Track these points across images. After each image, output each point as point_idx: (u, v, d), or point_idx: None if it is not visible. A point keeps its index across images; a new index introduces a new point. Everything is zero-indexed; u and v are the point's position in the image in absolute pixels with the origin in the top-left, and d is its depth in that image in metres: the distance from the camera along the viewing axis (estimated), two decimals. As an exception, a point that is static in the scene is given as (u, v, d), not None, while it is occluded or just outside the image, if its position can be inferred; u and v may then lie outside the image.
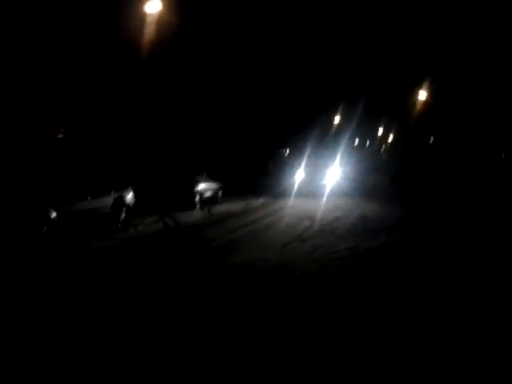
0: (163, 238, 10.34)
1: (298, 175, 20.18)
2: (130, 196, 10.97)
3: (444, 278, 6.28)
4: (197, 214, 13.50)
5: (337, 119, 36.79)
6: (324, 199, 16.20)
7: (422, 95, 31.44)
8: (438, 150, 41.63)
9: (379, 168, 31.15)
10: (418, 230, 10.32)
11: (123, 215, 10.60)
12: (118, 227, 10.36)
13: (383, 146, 59.73)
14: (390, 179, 23.72)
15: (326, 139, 29.06)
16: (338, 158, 22.88)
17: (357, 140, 51.33)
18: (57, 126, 13.75)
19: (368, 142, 59.15)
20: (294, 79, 23.26)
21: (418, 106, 33.86)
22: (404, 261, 7.37)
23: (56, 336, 4.54)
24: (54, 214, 8.27)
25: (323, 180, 20.07)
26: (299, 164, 20.82)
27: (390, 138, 57.20)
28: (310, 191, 18.10)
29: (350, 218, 12.33)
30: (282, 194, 17.51)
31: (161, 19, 13.01)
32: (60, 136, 13.90)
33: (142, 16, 12.79)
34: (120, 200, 10.50)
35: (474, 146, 39.35)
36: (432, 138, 48.58)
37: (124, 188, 10.86)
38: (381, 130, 55.24)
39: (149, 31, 13.28)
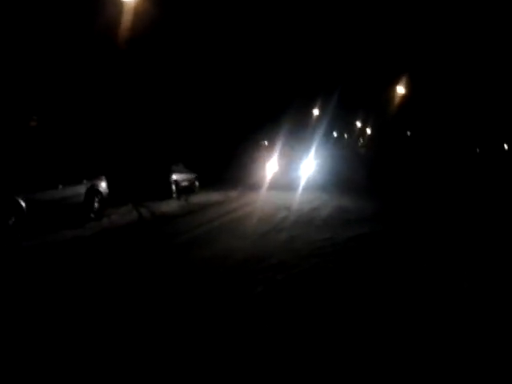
0: (137, 227, 10.12)
1: (272, 167, 20.22)
2: (103, 185, 10.71)
3: (421, 267, 6.23)
4: (173, 204, 13.30)
5: (314, 112, 36.72)
6: (298, 192, 15.98)
7: (400, 89, 31.65)
8: (414, 144, 42.06)
9: (356, 161, 31.28)
10: (394, 221, 10.30)
11: (96, 204, 10.36)
12: (91, 217, 10.11)
13: (361, 139, 60.29)
14: (366, 172, 23.74)
15: (302, 131, 29.00)
16: (313, 150, 22.84)
17: (335, 133, 51.65)
18: (30, 113, 13.36)
19: (346, 136, 59.73)
20: (268, 70, 23.10)
21: (396, 100, 34.10)
22: (382, 250, 7.31)
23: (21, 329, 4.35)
24: (22, 203, 7.96)
25: (297, 172, 20.04)
26: (272, 156, 20.81)
27: (368, 131, 57.78)
28: (284, 184, 18.05)
29: (326, 208, 12.23)
30: (256, 186, 17.57)
31: (138, 8, 12.71)
32: (33, 123, 13.52)
33: (119, 4, 12.49)
34: (93, 189, 10.25)
35: (450, 140, 39.97)
36: (409, 132, 49.17)
37: (97, 177, 10.60)
38: (359, 124, 55.66)
39: (126, 20, 12.98)
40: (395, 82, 32.41)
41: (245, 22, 19.33)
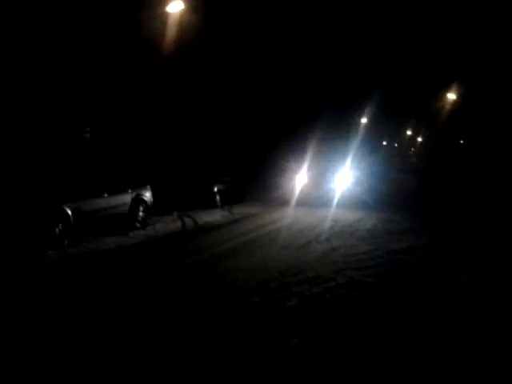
0: (179, 237, 10.27)
1: (302, 178, 17.63)
2: (147, 194, 10.94)
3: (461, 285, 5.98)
4: (217, 214, 13.40)
5: (360, 120, 35.61)
6: (330, 210, 13.79)
7: (451, 96, 30.75)
8: (468, 153, 40.55)
9: (406, 171, 30.12)
10: (445, 236, 9.83)
11: (141, 213, 10.59)
12: (136, 225, 10.34)
13: (412, 148, 58.85)
14: (417, 184, 22.40)
15: (341, 140, 25.07)
16: (352, 159, 20.25)
17: (384, 142, 50.39)
18: (85, 124, 13.90)
19: (396, 144, 58.03)
20: (305, 76, 22.17)
21: (447, 108, 33.14)
22: (426, 266, 7.08)
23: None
24: (69, 211, 8.26)
25: (330, 185, 17.69)
26: (303, 166, 17.91)
27: (419, 139, 56.20)
28: (313, 199, 15.96)
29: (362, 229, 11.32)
30: (286, 199, 15.72)
31: (182, 19, 12.97)
32: (86, 135, 14.06)
33: (164, 16, 12.77)
34: (138, 198, 10.49)
35: (507, 149, 38.20)
36: (462, 141, 47.48)
37: (142, 186, 10.84)
38: (409, 132, 54.41)
39: (170, 32, 13.26)
40: (446, 89, 31.58)
41: (283, 26, 19.16)
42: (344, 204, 15.13)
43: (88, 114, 13.78)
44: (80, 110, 13.41)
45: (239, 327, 4.61)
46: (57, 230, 8.03)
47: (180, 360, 3.92)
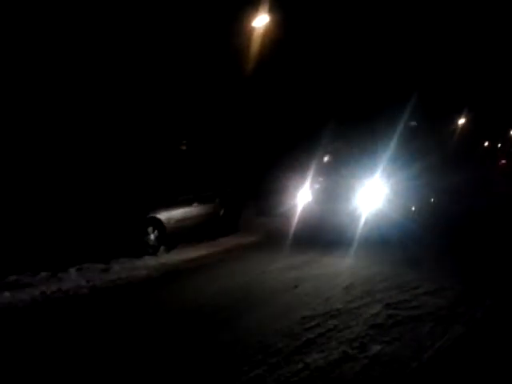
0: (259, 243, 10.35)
1: (302, 198, 11.42)
2: (233, 202, 11.53)
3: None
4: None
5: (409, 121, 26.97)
6: (344, 263, 7.84)
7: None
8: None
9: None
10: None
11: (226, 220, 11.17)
12: (226, 231, 10.93)
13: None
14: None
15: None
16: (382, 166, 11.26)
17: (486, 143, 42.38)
18: (182, 137, 14.64)
19: (499, 144, 49.33)
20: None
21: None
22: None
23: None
24: (163, 219, 9.00)
25: (351, 205, 10.69)
26: (304, 180, 11.56)
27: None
28: (322, 231, 10.07)
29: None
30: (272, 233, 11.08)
31: (267, 33, 13.26)
32: (183, 147, 14.80)
33: (250, 31, 13.16)
34: (225, 205, 11.11)
35: None
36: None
37: (228, 195, 11.44)
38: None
39: (255, 45, 13.63)
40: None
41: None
42: (372, 244, 9.12)
43: (185, 127, 14.47)
44: (178, 123, 14.10)
45: None
46: (152, 236, 8.80)
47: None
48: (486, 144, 40.37)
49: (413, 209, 12.68)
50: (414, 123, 20.89)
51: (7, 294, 6.13)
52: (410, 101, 18.87)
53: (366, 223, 9.98)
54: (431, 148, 19.31)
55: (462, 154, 29.15)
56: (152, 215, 8.86)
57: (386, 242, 9.20)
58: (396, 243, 9.07)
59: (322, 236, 9.61)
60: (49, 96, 10.47)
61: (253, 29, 13.00)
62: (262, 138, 15.44)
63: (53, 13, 10.39)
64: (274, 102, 15.76)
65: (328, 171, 12.07)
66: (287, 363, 4.02)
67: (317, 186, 11.43)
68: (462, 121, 31.78)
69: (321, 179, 11.64)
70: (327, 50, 17.33)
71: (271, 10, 12.19)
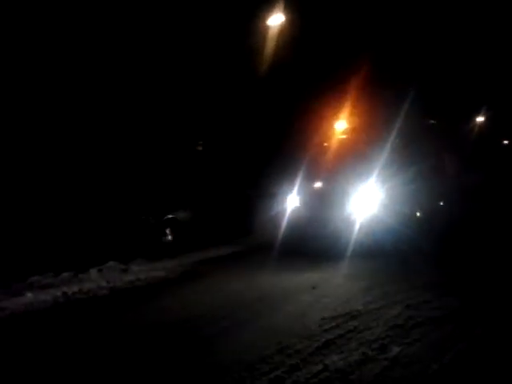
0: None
1: (290, 204, 10.56)
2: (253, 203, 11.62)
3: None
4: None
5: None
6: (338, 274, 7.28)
7: None
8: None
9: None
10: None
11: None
12: (245, 232, 10.99)
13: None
14: None
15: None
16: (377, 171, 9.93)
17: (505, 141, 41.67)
18: (198, 138, 14.63)
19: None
20: None
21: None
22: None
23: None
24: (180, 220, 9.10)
25: (344, 212, 9.78)
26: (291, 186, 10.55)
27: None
28: (311, 241, 9.18)
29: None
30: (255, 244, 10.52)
31: (282, 33, 13.21)
32: (199, 148, 14.77)
33: (264, 30, 13.13)
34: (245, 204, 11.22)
35: None
36: None
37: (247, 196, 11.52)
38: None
39: (270, 45, 13.59)
40: None
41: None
42: (367, 255, 8.33)
43: (200, 127, 14.46)
44: (194, 124, 14.10)
45: None
46: (170, 237, 8.90)
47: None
48: (506, 142, 39.57)
49: (418, 215, 11.60)
50: (431, 121, 20.40)
51: (29, 294, 6.26)
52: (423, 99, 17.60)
53: (360, 230, 9.18)
54: (443, 147, 18.24)
55: (479, 152, 28.40)
56: (170, 216, 8.96)
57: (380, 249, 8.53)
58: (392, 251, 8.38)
59: (309, 247, 8.87)
60: (81, 99, 10.44)
61: (267, 28, 12.99)
62: (269, 139, 15.06)
63: (67, 13, 10.37)
64: (285, 104, 15.59)
65: (320, 177, 10.88)
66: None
67: (308, 192, 10.63)
68: (480, 119, 31.46)
69: (314, 184, 10.81)
70: (342, 50, 17.16)
71: (286, 9, 12.14)
